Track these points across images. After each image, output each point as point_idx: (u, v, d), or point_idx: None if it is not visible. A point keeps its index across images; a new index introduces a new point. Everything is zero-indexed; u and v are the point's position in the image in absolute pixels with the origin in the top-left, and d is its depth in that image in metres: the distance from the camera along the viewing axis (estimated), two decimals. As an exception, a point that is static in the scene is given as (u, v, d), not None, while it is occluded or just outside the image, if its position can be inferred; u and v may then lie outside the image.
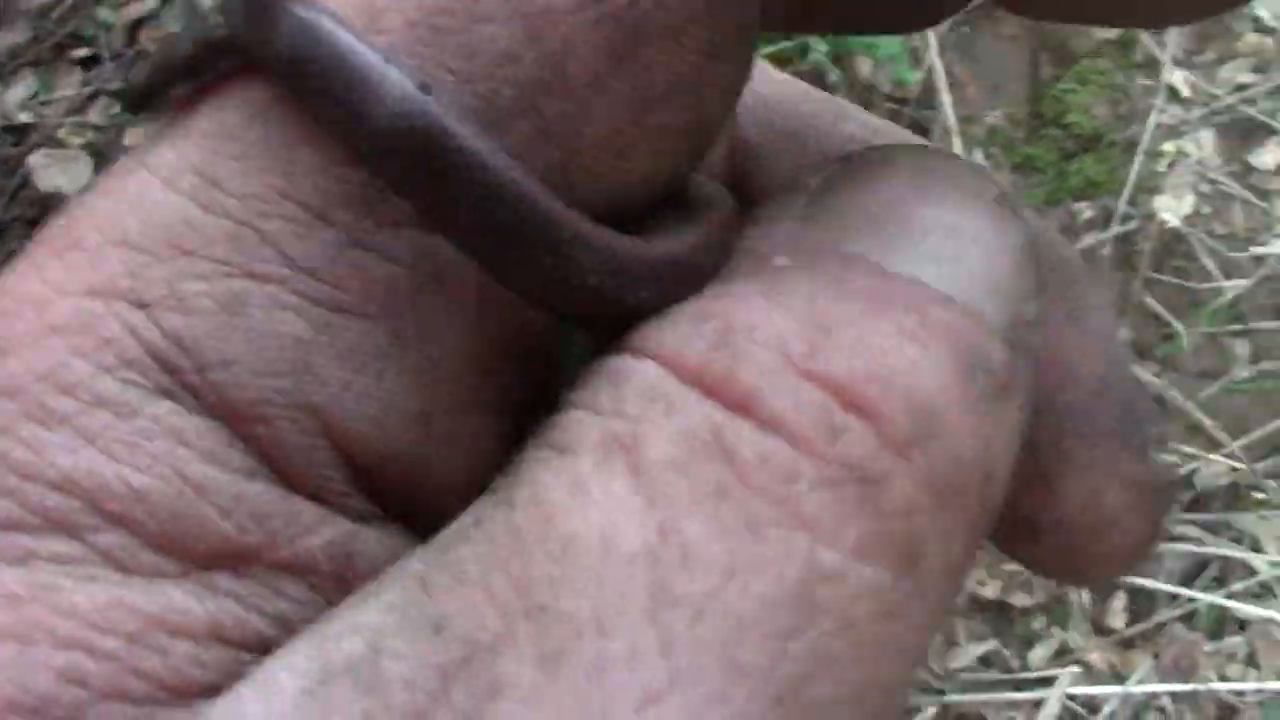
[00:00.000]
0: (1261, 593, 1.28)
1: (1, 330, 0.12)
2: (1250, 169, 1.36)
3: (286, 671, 0.11)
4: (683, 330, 0.12)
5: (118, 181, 0.13)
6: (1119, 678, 1.25)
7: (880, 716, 0.12)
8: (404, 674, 0.10)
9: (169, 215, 0.12)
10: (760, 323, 0.12)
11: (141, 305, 0.12)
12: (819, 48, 1.32)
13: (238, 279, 0.12)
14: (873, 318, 0.12)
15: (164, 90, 0.13)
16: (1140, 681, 1.24)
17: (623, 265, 0.12)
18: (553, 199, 0.12)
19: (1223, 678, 1.25)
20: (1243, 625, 1.28)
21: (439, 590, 0.11)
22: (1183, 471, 1.29)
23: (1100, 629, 1.28)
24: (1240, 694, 1.25)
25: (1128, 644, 1.28)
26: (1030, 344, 0.14)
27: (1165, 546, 1.27)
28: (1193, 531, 1.28)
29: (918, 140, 0.16)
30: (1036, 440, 0.17)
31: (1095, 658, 1.27)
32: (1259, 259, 1.32)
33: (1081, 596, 1.28)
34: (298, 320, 0.12)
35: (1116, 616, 1.29)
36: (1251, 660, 1.27)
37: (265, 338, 0.12)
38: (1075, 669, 1.26)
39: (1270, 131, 1.37)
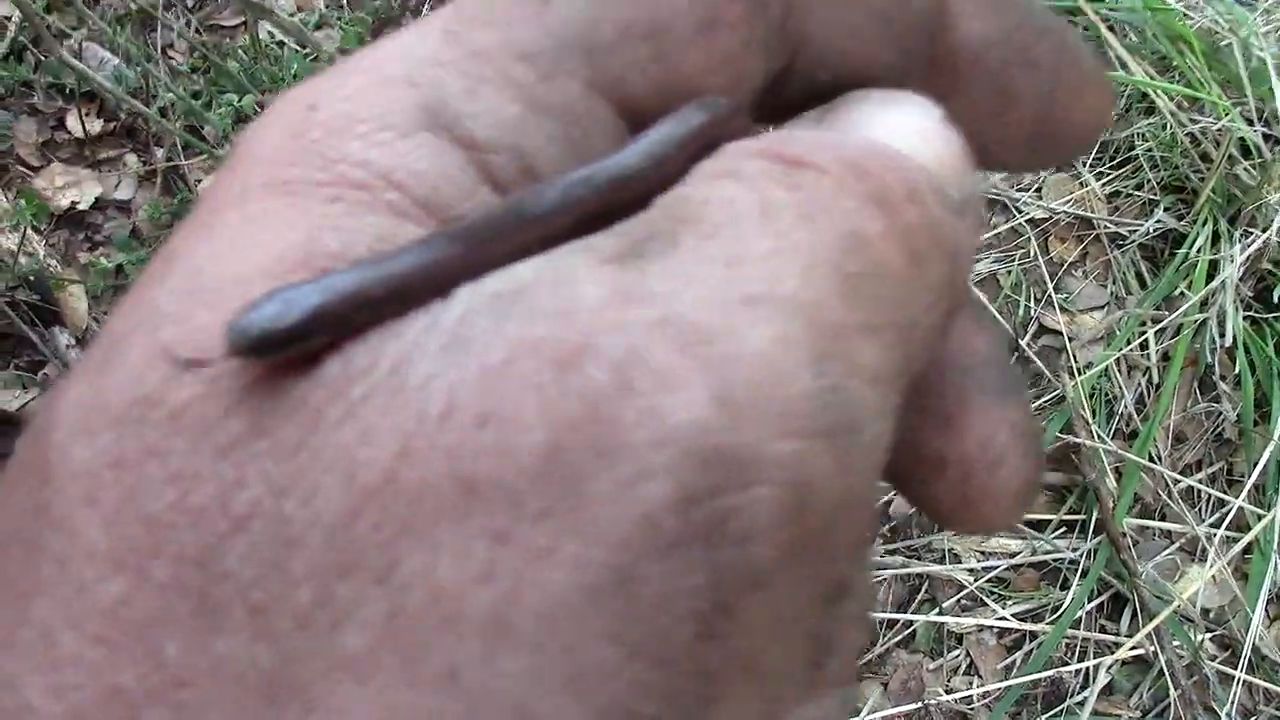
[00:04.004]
0: (970, 605, 1.37)
1: (340, 88, 0.19)
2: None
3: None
4: (756, 143, 0.19)
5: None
6: (854, 711, 1.32)
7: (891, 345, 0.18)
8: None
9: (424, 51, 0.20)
10: (802, 136, 0.19)
11: (413, 85, 0.19)
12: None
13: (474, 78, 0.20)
14: (868, 144, 0.19)
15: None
16: (872, 710, 1.30)
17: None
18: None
19: (949, 690, 1.33)
20: (960, 639, 1.37)
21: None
22: (879, 504, 1.38)
23: (829, 669, 1.34)
24: (968, 701, 1.33)
25: (856, 677, 1.34)
26: (973, 206, 0.21)
27: (877, 575, 1.35)
28: (898, 560, 1.37)
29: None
30: (944, 392, 0.22)
31: (829, 698, 1.33)
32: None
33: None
34: (516, 104, 0.20)
35: (842, 654, 1.35)
36: (972, 668, 1.35)
37: (495, 108, 0.19)
38: (812, 712, 1.31)
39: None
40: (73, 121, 1.38)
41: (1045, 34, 0.23)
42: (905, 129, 0.20)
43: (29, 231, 1.31)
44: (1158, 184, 1.41)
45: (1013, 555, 1.36)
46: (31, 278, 1.31)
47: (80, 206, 1.36)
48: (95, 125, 1.39)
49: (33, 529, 0.17)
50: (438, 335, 0.16)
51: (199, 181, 1.36)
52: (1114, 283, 1.41)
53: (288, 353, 0.16)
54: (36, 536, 0.17)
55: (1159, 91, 1.38)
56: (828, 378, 0.16)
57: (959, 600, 1.37)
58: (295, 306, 0.16)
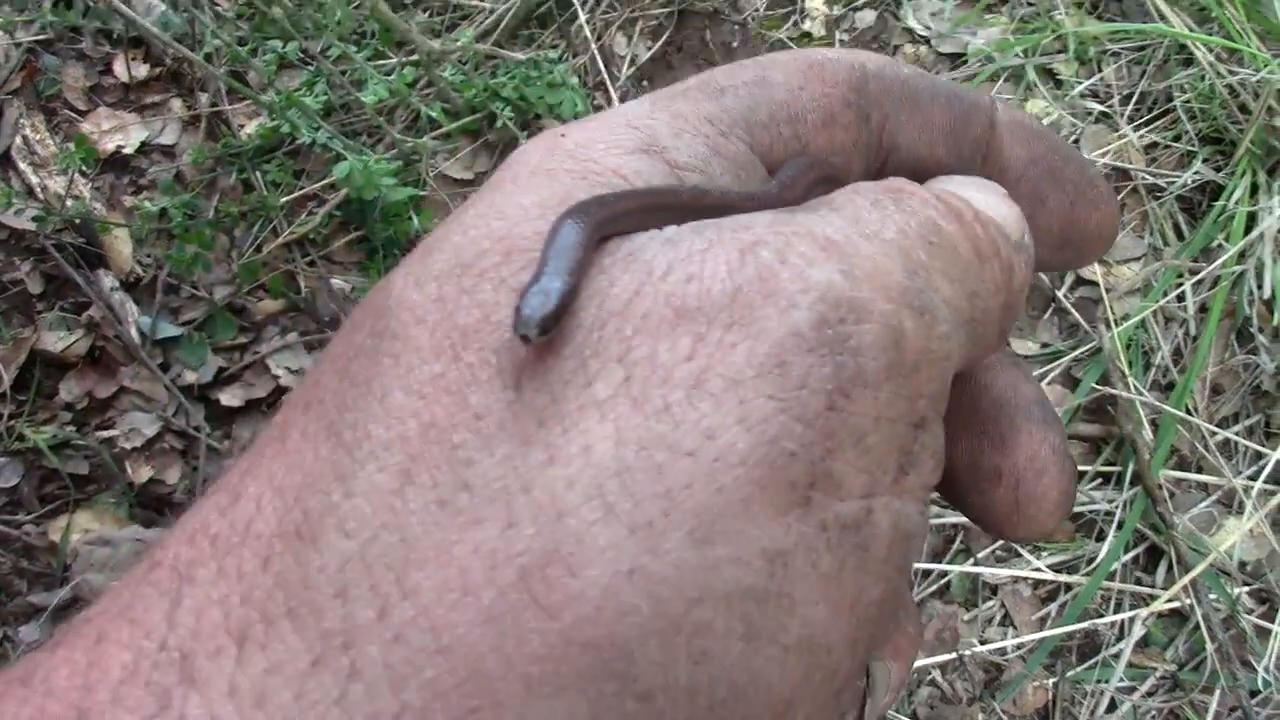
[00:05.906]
0: (1005, 556, 1.36)
1: (582, 127, 0.29)
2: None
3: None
4: (869, 182, 0.28)
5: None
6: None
7: (976, 324, 0.28)
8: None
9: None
10: (904, 180, 0.28)
11: (633, 127, 0.29)
12: (506, 114, 1.39)
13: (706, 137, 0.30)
14: (950, 191, 0.29)
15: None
16: (908, 658, 1.29)
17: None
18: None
19: (983, 641, 1.32)
20: (994, 590, 1.36)
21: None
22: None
23: (862, 616, 1.34)
24: (1002, 652, 1.32)
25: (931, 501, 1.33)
26: (1027, 250, 0.29)
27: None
28: (933, 511, 1.36)
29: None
30: (1000, 422, 0.30)
31: (863, 644, 1.32)
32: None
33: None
34: (704, 147, 0.29)
35: (875, 601, 1.34)
36: (1006, 619, 1.35)
37: (691, 146, 0.29)
38: (846, 658, 1.30)
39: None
40: (119, 66, 1.41)
41: (1070, 160, 0.32)
42: (976, 194, 0.29)
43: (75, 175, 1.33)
44: (1196, 135, 1.41)
45: (1048, 506, 1.35)
46: (77, 220, 1.33)
47: (125, 150, 1.38)
48: (141, 70, 1.42)
49: (373, 344, 0.25)
50: (658, 237, 0.25)
51: (242, 126, 1.38)
52: (1151, 234, 1.40)
53: (561, 322, 0.24)
54: (377, 347, 0.25)
55: (1198, 43, 1.38)
56: (916, 280, 0.25)
57: (994, 551, 1.37)
58: (553, 295, 0.24)
